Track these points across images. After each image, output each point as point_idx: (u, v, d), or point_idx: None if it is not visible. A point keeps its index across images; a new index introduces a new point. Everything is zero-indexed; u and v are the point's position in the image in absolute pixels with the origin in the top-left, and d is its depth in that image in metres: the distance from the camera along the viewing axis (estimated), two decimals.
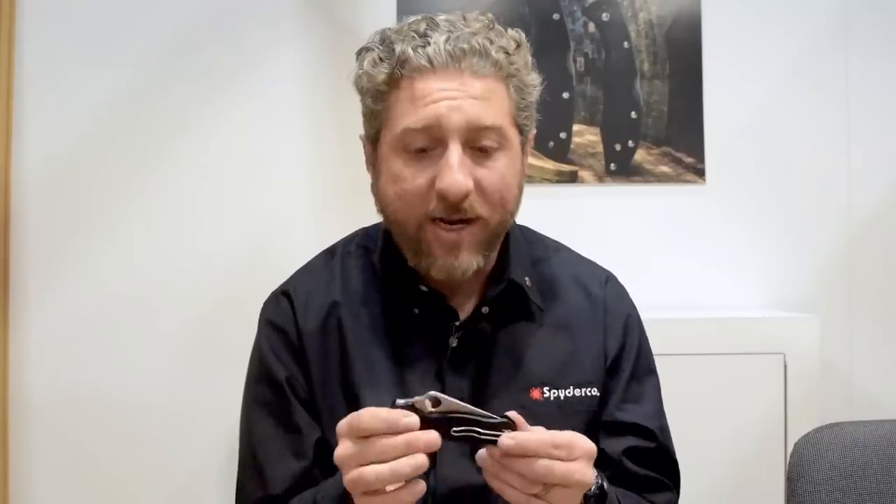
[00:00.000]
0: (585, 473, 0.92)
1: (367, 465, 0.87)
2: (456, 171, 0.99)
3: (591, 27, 2.17)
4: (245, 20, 2.14)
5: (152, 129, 2.13)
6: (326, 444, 1.07)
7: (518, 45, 1.05)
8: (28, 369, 2.09)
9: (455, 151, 1.00)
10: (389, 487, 0.88)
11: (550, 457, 0.90)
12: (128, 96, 2.12)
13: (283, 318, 1.12)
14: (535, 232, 1.22)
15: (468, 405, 0.91)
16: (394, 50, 1.02)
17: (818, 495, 1.16)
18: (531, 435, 0.90)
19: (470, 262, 1.03)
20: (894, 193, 2.19)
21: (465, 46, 1.00)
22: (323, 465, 1.06)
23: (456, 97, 1.00)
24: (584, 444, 0.93)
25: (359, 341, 1.09)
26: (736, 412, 1.88)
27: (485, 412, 0.91)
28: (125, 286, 2.11)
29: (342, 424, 0.91)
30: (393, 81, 1.03)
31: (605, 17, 2.17)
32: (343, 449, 0.90)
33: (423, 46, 1.01)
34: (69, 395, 2.08)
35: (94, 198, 2.12)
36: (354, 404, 1.05)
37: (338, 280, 1.13)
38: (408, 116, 1.01)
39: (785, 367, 1.89)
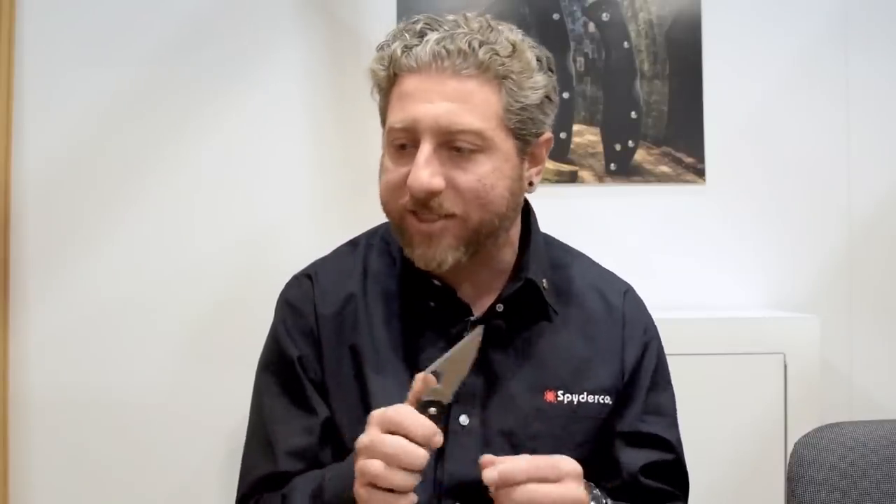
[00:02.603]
0: (568, 492, 0.93)
1: (381, 458, 0.89)
2: (421, 170, 1.01)
3: (591, 27, 2.17)
4: (245, 20, 2.14)
5: (152, 128, 2.12)
6: (334, 425, 1.09)
7: (514, 49, 1.04)
8: (28, 369, 2.09)
9: (425, 151, 1.01)
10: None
11: (538, 481, 0.92)
12: (128, 96, 2.12)
13: (302, 300, 1.14)
14: (556, 239, 1.23)
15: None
16: (390, 48, 1.05)
17: (818, 495, 1.16)
18: (514, 465, 0.93)
19: (445, 255, 1.04)
20: (894, 193, 2.19)
21: (451, 47, 1.01)
22: (329, 444, 1.09)
23: (432, 99, 1.01)
24: (568, 465, 0.95)
25: (373, 330, 1.10)
26: (736, 412, 1.88)
27: None
28: (125, 286, 2.11)
29: (378, 412, 0.93)
30: (390, 79, 1.06)
31: (605, 17, 2.17)
32: (369, 437, 0.91)
33: (413, 46, 1.03)
34: (69, 395, 2.08)
35: (94, 198, 2.12)
36: (364, 390, 1.08)
37: (359, 270, 1.15)
38: (393, 114, 1.05)
39: (785, 367, 1.89)
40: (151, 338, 2.10)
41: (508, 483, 0.92)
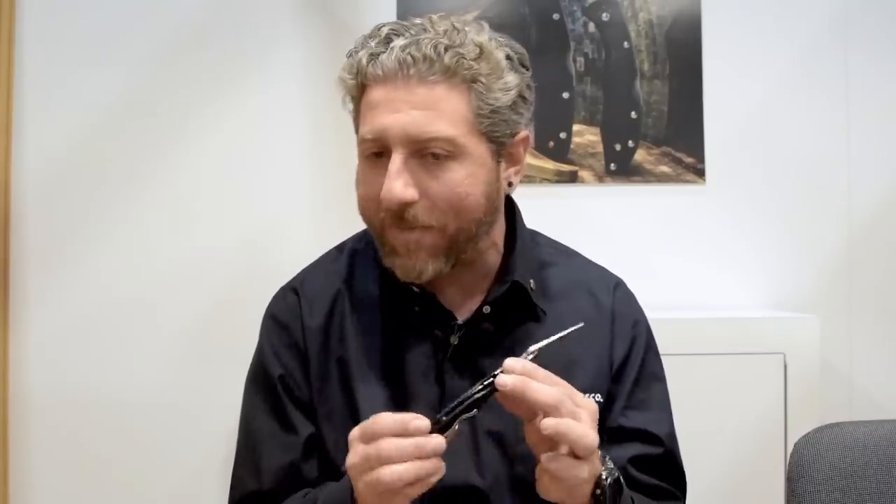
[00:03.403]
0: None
1: (380, 467, 0.87)
2: (393, 181, 0.99)
3: (591, 27, 2.17)
4: (245, 20, 2.14)
5: (153, 128, 2.13)
6: (319, 440, 1.09)
7: (481, 50, 1.02)
8: (28, 369, 2.09)
9: (396, 161, 1.00)
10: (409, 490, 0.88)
11: (553, 382, 0.91)
12: (128, 96, 2.12)
13: (288, 314, 1.13)
14: (546, 237, 1.22)
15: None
16: (356, 56, 1.04)
17: (818, 495, 1.16)
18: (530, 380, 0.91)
19: (426, 266, 1.03)
20: (894, 193, 2.19)
21: (417, 54, 0.99)
22: (315, 459, 1.08)
23: (400, 108, 1.00)
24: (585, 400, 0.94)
25: (358, 338, 1.10)
26: (736, 412, 1.88)
27: (477, 388, 0.92)
28: (125, 286, 2.11)
29: (354, 431, 0.91)
30: (358, 88, 1.05)
31: (605, 17, 2.17)
32: (354, 456, 0.90)
33: (379, 54, 1.01)
34: (69, 395, 2.08)
35: (95, 197, 2.12)
36: (351, 399, 1.07)
37: (344, 276, 1.14)
38: (363, 125, 1.04)
39: (785, 367, 1.89)
40: (151, 338, 2.10)
41: (525, 392, 0.90)
